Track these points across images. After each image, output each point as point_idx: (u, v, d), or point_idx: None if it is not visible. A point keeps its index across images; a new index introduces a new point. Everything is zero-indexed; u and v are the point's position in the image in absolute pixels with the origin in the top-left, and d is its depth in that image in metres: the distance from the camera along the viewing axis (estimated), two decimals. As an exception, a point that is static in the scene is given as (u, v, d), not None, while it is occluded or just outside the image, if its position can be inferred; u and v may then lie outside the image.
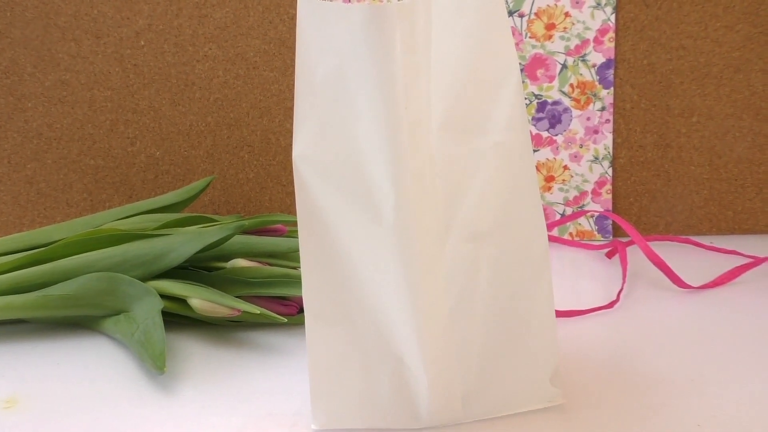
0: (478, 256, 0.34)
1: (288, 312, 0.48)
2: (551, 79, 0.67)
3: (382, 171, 0.33)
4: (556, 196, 0.69)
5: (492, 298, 0.35)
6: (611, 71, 0.66)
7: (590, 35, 0.66)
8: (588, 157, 0.68)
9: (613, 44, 0.66)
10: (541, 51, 0.66)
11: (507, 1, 0.65)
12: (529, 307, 0.36)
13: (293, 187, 0.71)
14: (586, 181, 0.68)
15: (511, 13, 0.66)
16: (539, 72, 0.67)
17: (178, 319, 0.49)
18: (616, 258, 0.63)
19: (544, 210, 0.69)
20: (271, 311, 0.46)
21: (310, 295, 0.35)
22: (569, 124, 0.67)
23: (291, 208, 0.71)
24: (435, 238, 0.34)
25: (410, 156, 0.33)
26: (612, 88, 0.66)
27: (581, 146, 0.68)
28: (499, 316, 0.35)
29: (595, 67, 0.66)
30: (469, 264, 0.34)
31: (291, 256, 0.54)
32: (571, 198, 0.69)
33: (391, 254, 0.33)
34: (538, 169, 0.68)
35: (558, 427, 0.35)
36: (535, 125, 0.68)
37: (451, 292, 0.34)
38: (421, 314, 0.34)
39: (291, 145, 0.72)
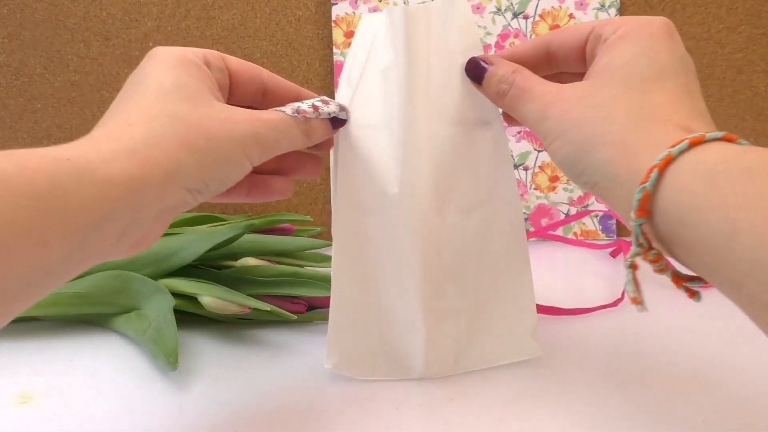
0: (467, 226, 0.40)
1: (297, 310, 0.48)
2: (555, 80, 0.67)
3: (394, 149, 0.38)
4: (560, 196, 0.69)
5: (478, 264, 0.40)
6: (615, 72, 0.67)
7: (594, 37, 0.66)
8: (592, 158, 0.68)
9: (616, 45, 0.66)
10: (545, 52, 0.67)
11: (512, 3, 0.66)
12: (510, 271, 0.41)
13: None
14: (590, 181, 0.69)
15: (515, 15, 0.66)
16: (544, 73, 0.67)
17: (189, 316, 0.49)
18: (621, 257, 0.63)
19: (549, 210, 0.69)
20: (281, 309, 0.46)
21: (338, 236, 0.40)
22: (573, 125, 0.68)
23: (298, 208, 0.71)
24: (432, 209, 0.39)
25: (412, 138, 0.38)
26: (616, 89, 0.67)
27: (585, 146, 0.68)
28: (485, 278, 0.41)
29: (599, 68, 0.67)
30: (459, 232, 0.40)
31: (299, 255, 0.55)
32: (575, 198, 0.69)
33: (397, 220, 0.38)
34: (542, 169, 0.69)
35: (565, 419, 0.36)
36: (539, 126, 0.68)
37: (444, 256, 0.40)
38: (420, 275, 0.39)
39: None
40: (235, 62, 0.36)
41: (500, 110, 0.39)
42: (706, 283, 0.28)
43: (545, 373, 0.41)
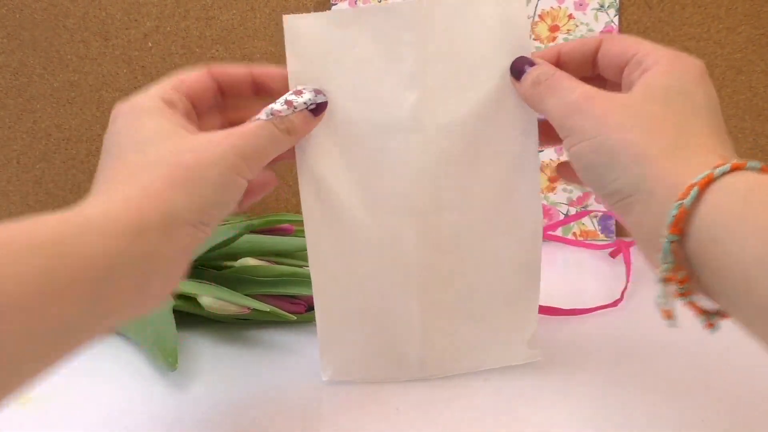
0: (469, 227, 0.39)
1: (296, 310, 0.48)
2: (555, 80, 0.67)
3: (389, 142, 0.38)
4: (559, 196, 0.69)
5: (481, 266, 0.40)
6: (614, 73, 0.67)
7: (594, 37, 0.66)
8: (591, 158, 0.68)
9: (616, 46, 0.66)
10: (545, 53, 0.67)
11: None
12: (517, 279, 0.40)
13: (299, 187, 0.71)
14: (589, 181, 0.69)
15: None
16: (543, 73, 0.67)
17: (188, 317, 0.49)
18: (620, 257, 0.63)
19: (548, 210, 0.69)
20: (280, 309, 0.46)
21: (315, 257, 0.40)
22: (573, 125, 0.68)
23: (297, 208, 0.71)
24: (432, 209, 0.38)
25: (409, 131, 0.37)
26: (615, 90, 0.67)
27: (585, 147, 0.68)
28: (487, 281, 0.40)
29: (599, 69, 0.67)
30: (461, 232, 0.39)
31: (299, 255, 0.55)
32: (574, 198, 0.69)
33: (392, 219, 0.38)
34: (541, 169, 0.69)
35: (565, 419, 0.36)
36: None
37: (443, 259, 0.39)
38: (418, 276, 0.39)
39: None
40: (187, 84, 0.36)
41: (531, 118, 0.38)
42: (724, 315, 0.28)
43: (545, 373, 0.41)
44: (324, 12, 0.37)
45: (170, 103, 0.34)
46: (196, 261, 0.50)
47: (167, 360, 0.42)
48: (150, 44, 0.68)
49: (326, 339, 0.40)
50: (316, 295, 0.40)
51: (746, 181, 0.27)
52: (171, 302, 0.46)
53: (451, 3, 0.37)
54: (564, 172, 0.40)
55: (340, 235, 0.39)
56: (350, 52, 0.37)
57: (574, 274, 0.61)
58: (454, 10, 0.37)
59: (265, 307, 0.45)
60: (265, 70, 0.38)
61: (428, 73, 0.37)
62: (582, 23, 0.66)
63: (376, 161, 0.38)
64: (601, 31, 0.66)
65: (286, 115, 0.35)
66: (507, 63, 0.37)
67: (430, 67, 0.37)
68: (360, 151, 0.38)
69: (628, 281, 0.55)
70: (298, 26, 0.37)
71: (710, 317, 0.29)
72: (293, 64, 0.37)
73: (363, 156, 0.38)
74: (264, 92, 0.38)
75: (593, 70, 0.37)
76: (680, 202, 0.27)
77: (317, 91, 0.37)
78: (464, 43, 0.37)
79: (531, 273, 0.40)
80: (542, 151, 0.68)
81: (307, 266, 0.54)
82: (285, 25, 0.37)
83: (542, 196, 0.69)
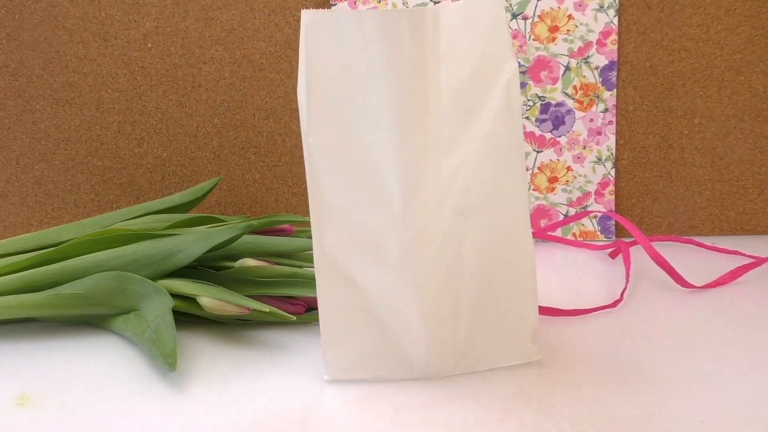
0: (467, 229, 0.40)
1: (296, 311, 0.48)
2: (555, 81, 0.67)
3: (389, 154, 0.38)
4: (559, 197, 0.69)
5: (478, 267, 0.40)
6: (614, 73, 0.67)
7: (593, 37, 0.66)
8: (591, 159, 0.68)
9: (615, 46, 0.66)
10: (544, 53, 0.67)
11: (511, 4, 0.66)
12: (512, 275, 0.41)
13: (299, 188, 0.71)
14: (589, 182, 0.69)
15: (514, 16, 0.66)
16: (543, 74, 0.67)
17: (188, 317, 0.49)
18: (620, 258, 0.63)
19: (548, 211, 0.69)
20: (280, 310, 0.46)
21: (320, 256, 0.40)
22: (572, 126, 0.68)
23: (297, 209, 0.71)
24: (432, 211, 0.39)
25: (415, 139, 0.38)
26: (615, 90, 0.67)
27: (584, 147, 0.68)
28: (485, 282, 0.41)
29: (598, 69, 0.67)
30: (459, 235, 0.40)
31: (298, 256, 0.55)
32: (574, 199, 0.69)
33: (395, 225, 0.39)
34: (541, 170, 0.69)
35: (564, 419, 0.36)
36: (538, 126, 0.68)
37: (443, 260, 0.40)
38: (419, 278, 0.39)
39: (297, 146, 0.72)
40: None
41: (515, 115, 0.39)
42: None
43: (544, 373, 0.41)
44: (341, 9, 0.38)
45: None
46: (195, 261, 0.50)
47: (167, 360, 0.42)
48: (149, 45, 0.68)
49: (329, 338, 0.41)
50: (320, 294, 0.40)
51: None
52: (171, 303, 0.46)
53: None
54: None
55: (345, 234, 0.39)
56: (361, 53, 0.37)
57: (574, 275, 0.61)
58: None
59: (265, 307, 0.45)
60: None
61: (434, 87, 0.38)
62: (581, 23, 0.66)
63: (372, 173, 0.39)
64: (601, 32, 0.66)
65: None
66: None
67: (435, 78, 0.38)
68: (358, 143, 0.38)
69: (627, 281, 0.55)
70: (317, 21, 0.37)
71: None
72: (310, 60, 0.38)
73: (360, 148, 0.38)
74: None
75: None
76: None
77: None
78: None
79: (525, 267, 0.41)
80: (542, 151, 0.68)
81: (307, 266, 0.54)
82: (303, 20, 0.37)
83: (542, 196, 0.69)
